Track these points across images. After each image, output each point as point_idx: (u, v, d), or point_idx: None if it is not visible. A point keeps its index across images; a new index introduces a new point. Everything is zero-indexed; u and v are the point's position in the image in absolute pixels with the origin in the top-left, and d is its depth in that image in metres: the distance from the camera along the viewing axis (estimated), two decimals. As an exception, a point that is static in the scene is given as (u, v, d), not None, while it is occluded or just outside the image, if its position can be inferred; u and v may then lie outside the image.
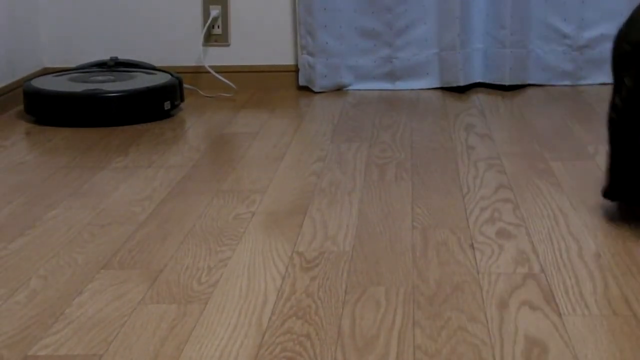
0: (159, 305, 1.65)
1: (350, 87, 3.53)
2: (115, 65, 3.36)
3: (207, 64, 3.51)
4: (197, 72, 3.54)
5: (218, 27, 3.54)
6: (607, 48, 3.49)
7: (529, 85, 3.51)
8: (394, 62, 3.50)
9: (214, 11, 3.52)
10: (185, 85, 3.40)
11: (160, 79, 3.18)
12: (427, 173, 2.43)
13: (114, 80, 3.16)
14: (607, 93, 3.36)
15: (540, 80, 3.51)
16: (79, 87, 3.07)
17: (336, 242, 1.95)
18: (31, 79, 3.21)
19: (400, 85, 3.52)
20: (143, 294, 1.70)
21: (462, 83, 3.44)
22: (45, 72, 3.51)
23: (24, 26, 3.42)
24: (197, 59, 3.53)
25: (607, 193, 2.08)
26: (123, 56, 3.52)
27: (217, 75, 3.47)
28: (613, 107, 2.01)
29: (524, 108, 3.16)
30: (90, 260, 1.87)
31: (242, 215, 2.13)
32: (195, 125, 3.02)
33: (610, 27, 3.47)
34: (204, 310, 1.63)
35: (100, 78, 3.19)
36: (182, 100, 3.22)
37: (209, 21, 3.51)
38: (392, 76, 3.51)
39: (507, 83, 3.46)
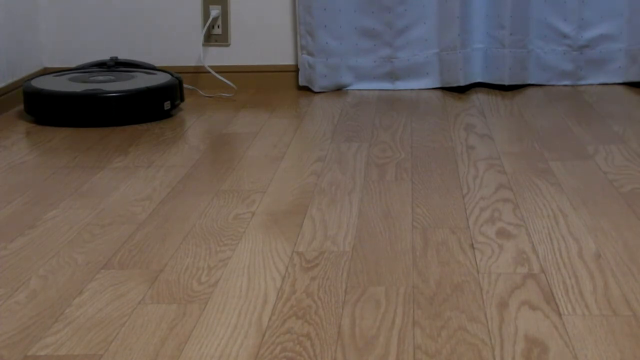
0: (159, 305, 1.65)
1: (350, 87, 3.53)
2: (115, 65, 3.36)
3: (207, 64, 3.51)
4: (197, 72, 3.54)
5: (218, 27, 3.54)
6: (607, 48, 3.49)
7: (529, 85, 3.51)
8: (394, 62, 3.50)
9: (214, 11, 3.52)
10: (185, 85, 3.40)
11: (160, 79, 3.18)
12: (427, 173, 2.43)
13: (114, 80, 3.16)
14: (607, 93, 3.37)
15: (540, 80, 3.51)
16: (79, 87, 3.07)
17: (336, 242, 1.95)
18: (31, 79, 3.20)
19: (400, 85, 3.52)
20: (143, 294, 1.70)
21: (462, 83, 3.44)
22: (45, 72, 3.51)
23: (24, 26, 3.42)
24: (197, 59, 3.53)
25: None
26: (123, 56, 3.52)
27: (217, 75, 3.47)
28: None
29: (524, 108, 3.16)
30: (90, 260, 1.87)
31: (242, 215, 2.13)
32: (195, 125, 3.02)
33: (610, 27, 3.47)
34: (204, 310, 1.63)
35: (100, 78, 3.19)
36: (182, 100, 3.22)
37: (209, 21, 3.51)
38: (392, 76, 3.51)
39: (507, 83, 3.46)
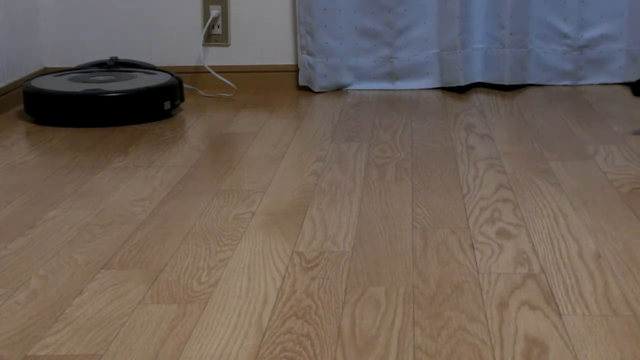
0: (159, 305, 1.65)
1: (350, 87, 3.53)
2: (115, 65, 3.36)
3: (207, 64, 3.51)
4: (197, 72, 3.54)
5: (218, 27, 3.54)
6: (607, 48, 3.49)
7: (529, 85, 3.51)
8: (394, 62, 3.50)
9: (214, 11, 3.52)
10: (185, 85, 3.40)
11: (160, 79, 3.18)
12: (427, 173, 2.43)
13: (114, 80, 3.16)
14: (607, 93, 3.37)
15: (540, 80, 3.51)
16: (79, 87, 3.07)
17: (336, 242, 1.95)
18: (31, 79, 3.20)
19: (400, 85, 3.52)
20: (143, 294, 1.70)
21: (462, 83, 3.44)
22: (45, 72, 3.51)
23: (24, 26, 3.42)
24: (197, 59, 3.53)
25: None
26: (123, 56, 3.52)
27: (217, 75, 3.47)
28: None
29: (524, 108, 3.16)
30: (90, 260, 1.87)
31: (242, 215, 2.13)
32: (195, 125, 3.02)
33: (610, 27, 3.47)
34: (204, 310, 1.63)
35: (100, 78, 3.19)
36: (182, 100, 3.22)
37: (209, 21, 3.51)
38: (392, 76, 3.51)
39: (507, 83, 3.46)
